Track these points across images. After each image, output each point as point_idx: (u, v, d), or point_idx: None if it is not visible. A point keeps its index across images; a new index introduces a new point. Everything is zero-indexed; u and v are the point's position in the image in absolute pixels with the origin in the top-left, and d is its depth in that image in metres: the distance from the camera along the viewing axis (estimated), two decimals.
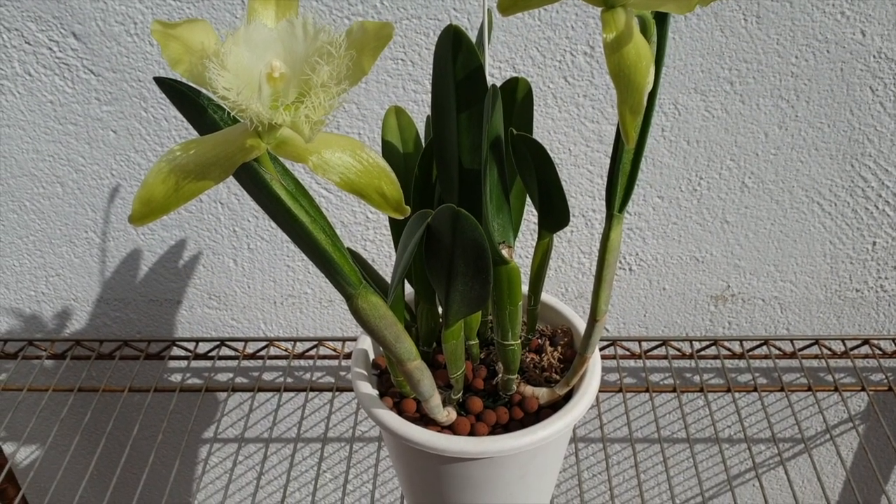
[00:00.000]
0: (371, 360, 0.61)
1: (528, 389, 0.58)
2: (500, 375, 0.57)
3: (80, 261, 0.88)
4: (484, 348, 0.62)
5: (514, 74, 0.75)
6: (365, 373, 0.58)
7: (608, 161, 0.79)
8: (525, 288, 0.60)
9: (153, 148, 0.80)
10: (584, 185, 0.81)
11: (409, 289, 0.61)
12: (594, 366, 0.57)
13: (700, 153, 0.79)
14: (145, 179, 0.36)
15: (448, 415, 0.55)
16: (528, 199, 0.57)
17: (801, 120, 0.77)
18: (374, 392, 0.57)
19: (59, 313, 0.92)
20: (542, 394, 0.58)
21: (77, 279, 0.89)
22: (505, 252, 0.49)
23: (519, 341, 0.55)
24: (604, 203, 0.82)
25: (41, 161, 0.81)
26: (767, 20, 0.72)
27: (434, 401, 0.53)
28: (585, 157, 0.79)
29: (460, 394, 0.57)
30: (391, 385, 0.59)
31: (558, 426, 0.53)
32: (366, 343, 0.61)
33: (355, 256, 0.61)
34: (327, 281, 0.89)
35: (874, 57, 0.73)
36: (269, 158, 0.41)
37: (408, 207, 0.40)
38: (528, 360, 0.60)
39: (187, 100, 0.42)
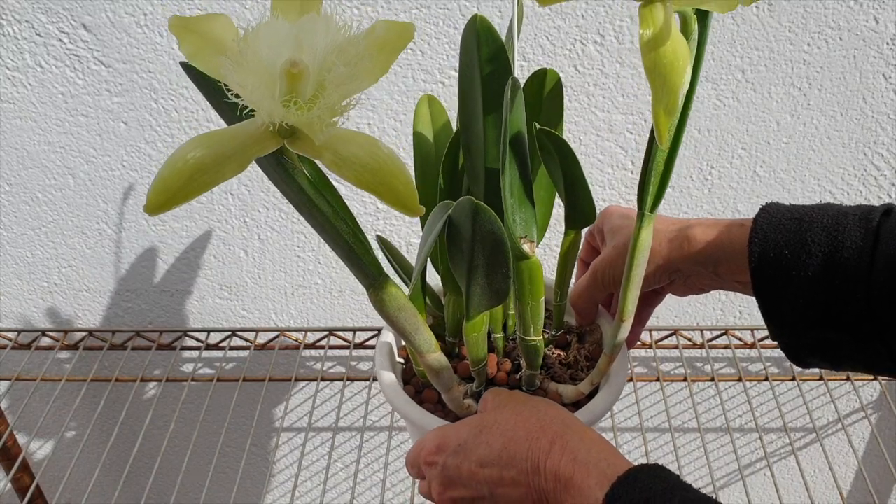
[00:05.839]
0: (396, 350, 0.61)
1: (552, 386, 0.57)
2: (523, 370, 0.57)
3: (91, 252, 0.88)
4: (510, 342, 0.61)
5: (523, 63, 0.74)
6: (388, 363, 0.58)
7: (618, 150, 0.79)
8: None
9: (163, 139, 0.80)
10: (594, 174, 0.80)
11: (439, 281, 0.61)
12: (620, 366, 0.56)
13: (711, 142, 0.79)
14: (161, 171, 0.36)
15: (468, 407, 0.55)
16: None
17: (814, 108, 0.76)
18: (397, 382, 0.57)
19: (71, 304, 0.93)
20: (566, 391, 0.57)
21: (89, 270, 0.90)
22: (526, 247, 0.49)
23: (541, 337, 0.54)
24: (615, 192, 0.82)
25: (53, 152, 0.82)
26: (779, 7, 0.71)
27: (453, 393, 0.53)
28: (596, 146, 0.79)
29: (482, 387, 0.57)
30: (414, 374, 0.59)
31: (584, 419, 0.52)
32: (389, 336, 0.61)
33: (384, 243, 0.61)
34: (337, 271, 0.89)
35: (887, 44, 0.73)
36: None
37: (422, 208, 0.39)
38: (553, 355, 0.60)
39: (213, 86, 0.41)
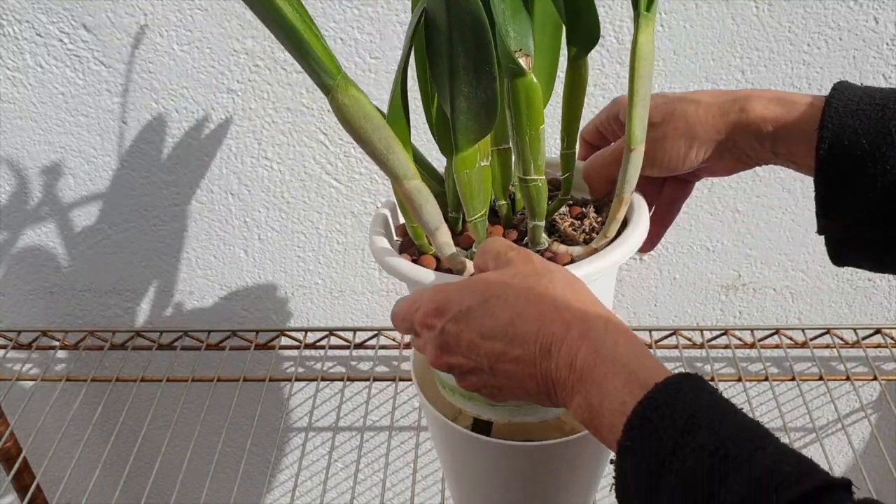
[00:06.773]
0: (393, 224, 0.56)
1: (562, 248, 0.51)
2: (528, 222, 0.51)
3: (92, 252, 0.88)
4: (517, 215, 0.56)
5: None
6: (382, 230, 0.54)
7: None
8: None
9: (163, 139, 0.80)
10: None
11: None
12: (639, 206, 0.51)
13: None
14: None
15: (464, 265, 0.49)
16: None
17: None
18: (389, 246, 0.52)
19: (71, 304, 0.93)
20: (576, 250, 0.51)
21: (89, 270, 0.90)
22: (522, 61, 0.43)
23: (543, 177, 0.48)
24: None
25: (53, 152, 0.82)
26: (779, 8, 0.71)
27: (441, 235, 0.47)
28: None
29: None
30: (411, 245, 0.55)
31: (596, 266, 0.47)
32: (385, 210, 0.57)
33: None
34: (337, 271, 0.89)
35: (887, 44, 0.73)
36: None
37: None
38: (566, 223, 0.54)
39: None
